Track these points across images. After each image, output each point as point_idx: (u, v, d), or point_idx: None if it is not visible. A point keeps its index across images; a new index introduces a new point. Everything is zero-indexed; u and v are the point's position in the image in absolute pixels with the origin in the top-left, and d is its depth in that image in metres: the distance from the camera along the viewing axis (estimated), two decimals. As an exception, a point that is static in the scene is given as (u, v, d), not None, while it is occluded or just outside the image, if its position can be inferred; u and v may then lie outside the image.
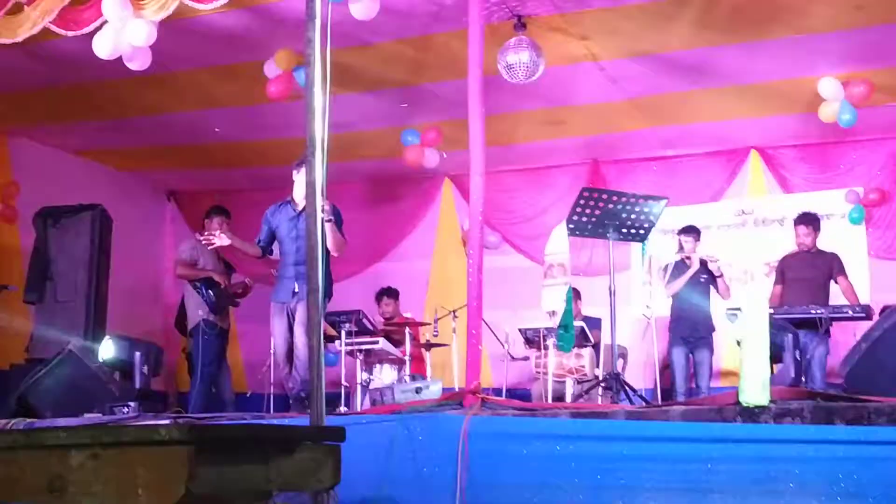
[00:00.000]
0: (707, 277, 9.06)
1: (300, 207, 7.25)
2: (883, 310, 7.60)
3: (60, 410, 6.78)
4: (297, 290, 7.25)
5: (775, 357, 8.21)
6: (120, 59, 7.37)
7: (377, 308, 10.43)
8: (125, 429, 2.17)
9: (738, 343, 5.68)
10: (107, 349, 8.14)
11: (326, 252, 7.49)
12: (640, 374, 10.21)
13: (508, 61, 7.89)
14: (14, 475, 2.21)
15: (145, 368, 7.23)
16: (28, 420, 6.51)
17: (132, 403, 6.75)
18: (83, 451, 2.12)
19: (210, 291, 8.84)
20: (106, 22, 7.12)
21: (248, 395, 10.47)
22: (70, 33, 7.32)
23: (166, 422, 3.46)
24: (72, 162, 11.32)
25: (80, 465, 2.11)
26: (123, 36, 7.18)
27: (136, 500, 2.07)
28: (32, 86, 9.19)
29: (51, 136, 10.81)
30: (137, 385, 7.25)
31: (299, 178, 7.18)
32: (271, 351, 7.92)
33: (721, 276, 8.99)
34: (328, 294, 7.52)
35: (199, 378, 8.55)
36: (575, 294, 9.57)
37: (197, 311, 8.85)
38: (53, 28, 7.31)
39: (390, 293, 10.48)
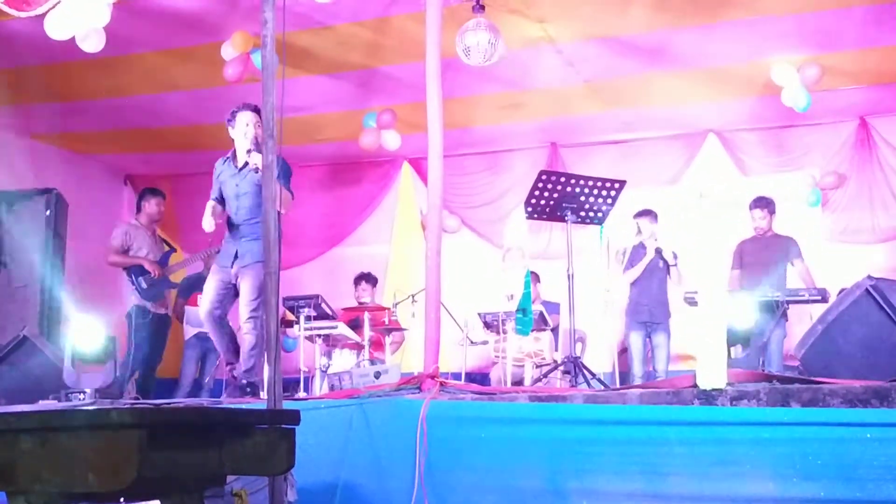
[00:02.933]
0: (664, 262, 9.11)
1: (240, 163, 7.08)
2: (840, 293, 7.68)
3: (15, 397, 6.71)
4: (238, 254, 7.03)
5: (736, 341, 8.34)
6: (73, 40, 7.30)
7: (353, 291, 10.40)
8: (76, 413, 2.14)
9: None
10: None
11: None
12: (599, 358, 10.27)
13: (467, 43, 7.88)
14: (-38, 461, 2.18)
15: (103, 354, 7.17)
16: (-20, 407, 6.45)
17: (88, 390, 6.69)
18: (32, 437, 2.10)
19: (140, 279, 8.79)
20: (59, 2, 7.04)
21: (206, 380, 10.41)
22: (22, 14, 7.23)
23: (118, 406, 3.43)
24: (25, 145, 11.13)
25: (30, 450, 2.09)
26: (77, 16, 7.11)
27: (86, 484, 2.06)
28: (-20, 68, 9.06)
29: (2, 118, 10.65)
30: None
31: (235, 132, 7.06)
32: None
33: (675, 264, 9.02)
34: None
35: (130, 364, 8.45)
36: (535, 277, 9.62)
37: (130, 297, 8.80)
38: (4, 8, 7.21)
39: (369, 279, 10.46)
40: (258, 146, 6.87)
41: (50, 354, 7.18)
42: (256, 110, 7.02)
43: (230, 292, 7.16)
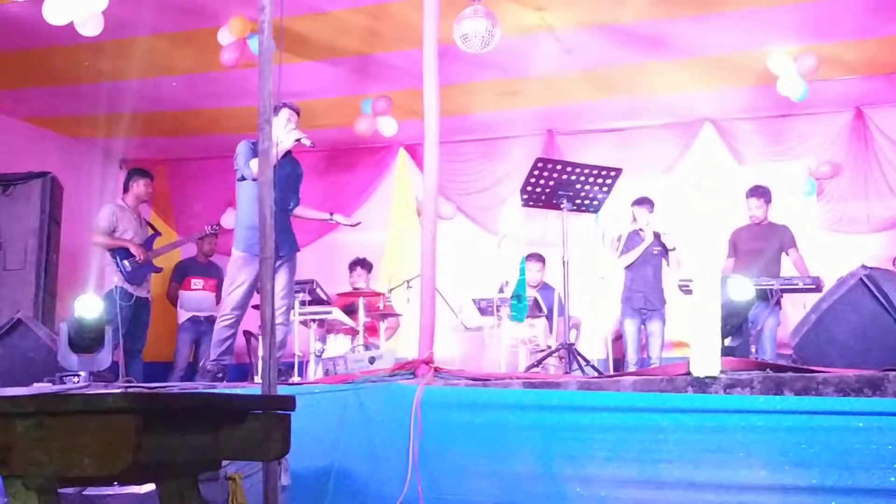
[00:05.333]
0: (660, 250, 9.13)
1: (285, 147, 7.07)
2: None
3: (9, 380, 6.71)
4: (276, 245, 7.06)
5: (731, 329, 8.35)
6: (71, 25, 7.29)
7: (349, 277, 10.41)
8: (72, 398, 2.15)
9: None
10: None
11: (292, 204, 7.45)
12: (593, 345, 10.29)
13: (464, 30, 7.87)
14: (-43, 445, 2.19)
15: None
16: (-25, 390, 6.46)
17: (83, 373, 6.69)
18: (28, 420, 2.10)
19: (125, 262, 8.78)
20: (56, -14, 7.05)
21: (200, 363, 10.41)
22: (19, -2, 7.25)
23: (114, 391, 3.44)
24: (21, 129, 11.15)
25: (26, 434, 2.09)
26: (75, 2, 7.10)
27: (82, 468, 2.06)
28: (-23, 52, 9.05)
29: (-1, 102, 10.68)
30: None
31: (276, 122, 7.05)
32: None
33: (674, 248, 9.05)
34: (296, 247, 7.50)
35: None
36: (540, 260, 9.64)
37: (113, 277, 8.80)
38: (1, -8, 7.24)
39: (364, 264, 10.46)
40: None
41: (44, 337, 7.17)
42: (296, 110, 7.22)
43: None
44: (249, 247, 7.04)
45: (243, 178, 7.16)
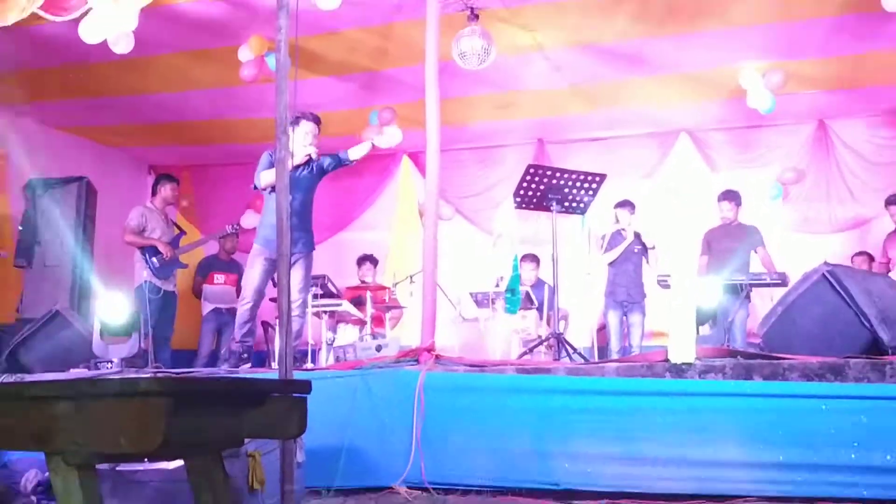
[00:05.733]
0: (641, 248, 9.12)
1: (296, 162, 7.01)
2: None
3: (48, 366, 6.71)
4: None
5: (704, 320, 8.36)
6: (104, 42, 7.28)
7: (357, 271, 10.41)
8: (107, 382, 2.14)
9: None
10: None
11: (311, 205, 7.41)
12: (580, 334, 10.29)
13: (462, 49, 7.87)
14: (6, 425, 2.18)
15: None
16: (18, 375, 6.44)
17: (115, 360, 6.68)
18: (69, 403, 2.10)
19: (154, 259, 8.78)
20: (91, 8, 7.04)
21: (222, 351, 10.42)
22: (57, 18, 7.22)
23: (146, 376, 3.44)
24: (59, 137, 11.14)
25: (66, 415, 2.09)
26: (108, 22, 7.09)
27: (117, 446, 2.06)
28: (20, 68, 9.02)
29: (39, 113, 10.61)
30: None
31: (294, 135, 7.03)
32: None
33: (653, 247, 9.04)
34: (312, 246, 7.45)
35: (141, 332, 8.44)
36: (535, 260, 9.64)
37: (142, 273, 8.79)
38: (41, 13, 7.22)
39: (371, 260, 10.46)
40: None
41: (80, 327, 7.16)
42: (318, 121, 7.14)
43: (273, 273, 7.19)
44: (264, 240, 7.10)
45: (255, 188, 7.16)
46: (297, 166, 7.03)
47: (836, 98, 10.10)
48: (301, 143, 7.00)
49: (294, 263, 6.98)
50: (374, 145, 7.44)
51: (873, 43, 8.51)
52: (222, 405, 2.32)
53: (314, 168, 7.20)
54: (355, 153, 7.23)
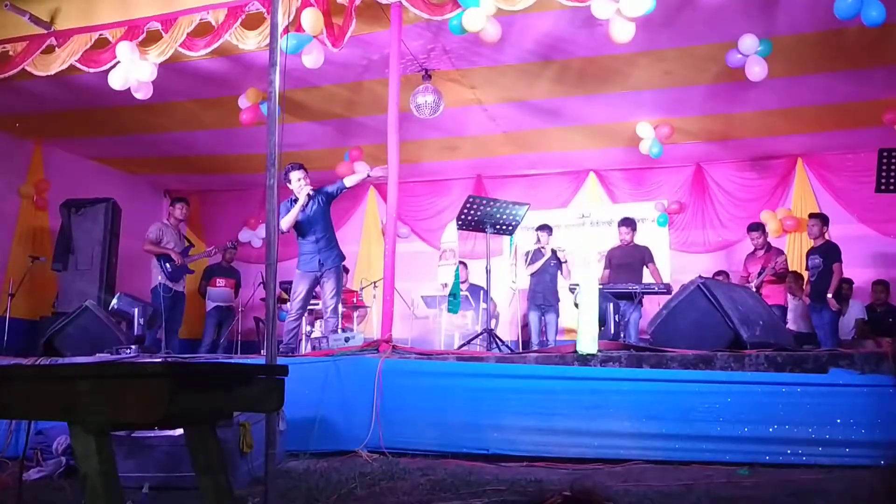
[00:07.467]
0: (556, 262, 9.14)
1: (301, 203, 6.84)
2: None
3: (78, 352, 6.58)
4: (320, 261, 6.93)
5: (602, 320, 8.38)
6: (129, 90, 7.21)
7: None
8: (121, 365, 2.10)
9: (576, 305, 5.75)
10: (118, 301, 7.79)
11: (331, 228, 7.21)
12: (507, 330, 10.32)
13: (418, 102, 7.88)
14: (36, 398, 2.14)
15: (142, 321, 7.03)
16: (52, 358, 6.33)
17: (133, 347, 6.57)
18: (89, 381, 2.06)
19: (168, 265, 8.70)
20: (119, 62, 7.00)
21: (221, 340, 10.32)
22: (91, 70, 7.22)
23: (155, 361, 3.37)
24: (90, 166, 11.08)
25: (86, 391, 2.04)
26: (132, 73, 7.05)
27: (128, 417, 2.03)
28: (61, 108, 8.92)
29: (74, 146, 10.53)
30: (136, 333, 7.06)
31: (291, 185, 6.88)
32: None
33: (566, 262, 9.06)
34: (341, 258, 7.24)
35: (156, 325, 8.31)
36: (464, 266, 9.64)
37: (157, 276, 8.70)
38: (78, 65, 7.22)
39: (344, 269, 10.35)
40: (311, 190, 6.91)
41: (105, 320, 7.03)
42: (302, 166, 6.98)
43: (311, 289, 7.09)
44: (303, 265, 7.01)
45: (281, 232, 6.97)
46: (306, 205, 6.93)
47: (711, 147, 10.27)
48: (297, 188, 6.89)
49: (329, 275, 6.95)
50: (369, 176, 7.36)
51: (740, 106, 8.68)
52: (215, 385, 2.28)
53: (320, 200, 7.05)
54: (350, 181, 7.19)
